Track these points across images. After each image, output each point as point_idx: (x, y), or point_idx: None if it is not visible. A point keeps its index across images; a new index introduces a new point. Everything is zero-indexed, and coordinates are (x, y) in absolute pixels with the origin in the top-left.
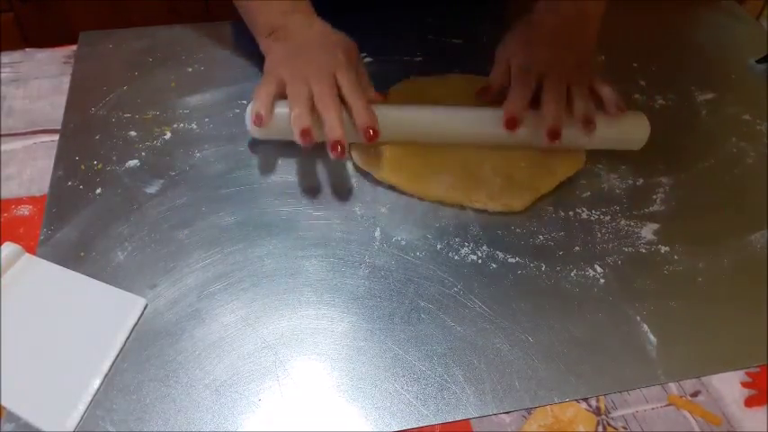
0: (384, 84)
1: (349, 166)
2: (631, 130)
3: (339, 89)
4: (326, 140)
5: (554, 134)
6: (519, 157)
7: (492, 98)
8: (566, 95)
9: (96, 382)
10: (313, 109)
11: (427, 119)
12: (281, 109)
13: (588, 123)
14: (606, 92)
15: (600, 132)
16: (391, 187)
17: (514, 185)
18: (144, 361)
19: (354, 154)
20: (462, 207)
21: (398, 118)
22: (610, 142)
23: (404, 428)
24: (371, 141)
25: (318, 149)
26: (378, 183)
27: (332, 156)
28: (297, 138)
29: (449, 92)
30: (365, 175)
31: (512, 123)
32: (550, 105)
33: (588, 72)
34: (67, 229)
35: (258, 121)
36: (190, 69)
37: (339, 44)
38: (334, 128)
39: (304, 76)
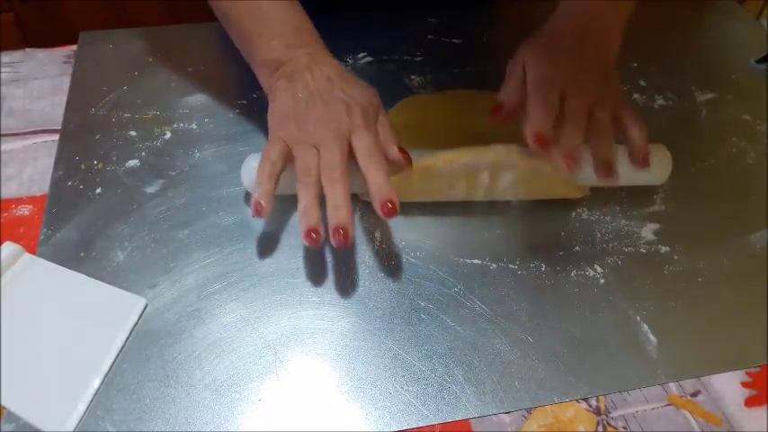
0: (384, 85)
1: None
2: (653, 169)
3: (354, 153)
4: (329, 223)
5: (570, 162)
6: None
7: (505, 118)
8: (586, 121)
9: (96, 382)
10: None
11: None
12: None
13: (608, 172)
14: (634, 132)
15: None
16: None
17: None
18: (144, 361)
19: None
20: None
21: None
22: (627, 178)
23: (404, 428)
24: (389, 216)
25: None
26: None
27: (334, 243)
28: (302, 237)
29: (452, 112)
30: None
31: (542, 141)
32: (569, 131)
33: (614, 93)
34: (67, 229)
35: (256, 212)
36: (190, 69)
37: (356, 97)
38: (338, 209)
39: (313, 140)
